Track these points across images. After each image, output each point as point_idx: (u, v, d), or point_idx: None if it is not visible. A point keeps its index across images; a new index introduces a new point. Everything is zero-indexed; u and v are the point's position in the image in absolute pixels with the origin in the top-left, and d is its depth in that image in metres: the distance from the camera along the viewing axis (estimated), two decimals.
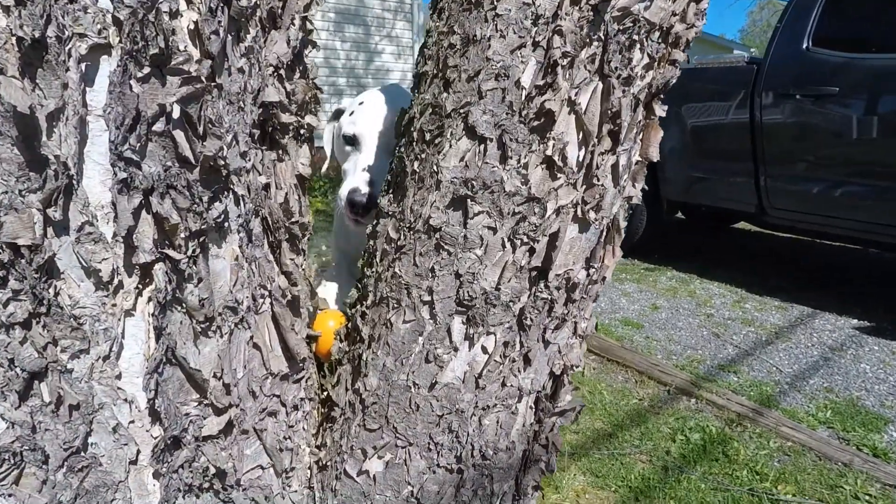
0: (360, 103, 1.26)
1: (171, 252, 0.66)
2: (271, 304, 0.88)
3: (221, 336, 0.78)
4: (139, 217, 0.65)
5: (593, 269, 0.88)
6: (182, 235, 0.68)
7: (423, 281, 0.84)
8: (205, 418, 0.77)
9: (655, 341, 3.30)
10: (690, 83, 4.13)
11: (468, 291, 0.82)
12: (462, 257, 0.82)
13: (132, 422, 0.71)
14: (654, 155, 0.91)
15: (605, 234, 0.88)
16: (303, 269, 0.92)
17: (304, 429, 1.00)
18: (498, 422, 0.87)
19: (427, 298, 0.84)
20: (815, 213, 3.70)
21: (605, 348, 3.06)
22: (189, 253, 0.68)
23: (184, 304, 0.71)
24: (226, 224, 0.75)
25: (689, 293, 4.06)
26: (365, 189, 1.16)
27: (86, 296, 0.65)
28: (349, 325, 0.98)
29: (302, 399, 0.98)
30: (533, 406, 0.90)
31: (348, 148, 1.25)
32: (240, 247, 0.79)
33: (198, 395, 0.76)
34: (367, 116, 1.21)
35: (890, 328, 3.34)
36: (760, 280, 4.21)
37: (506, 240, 0.82)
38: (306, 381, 0.99)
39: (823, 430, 2.41)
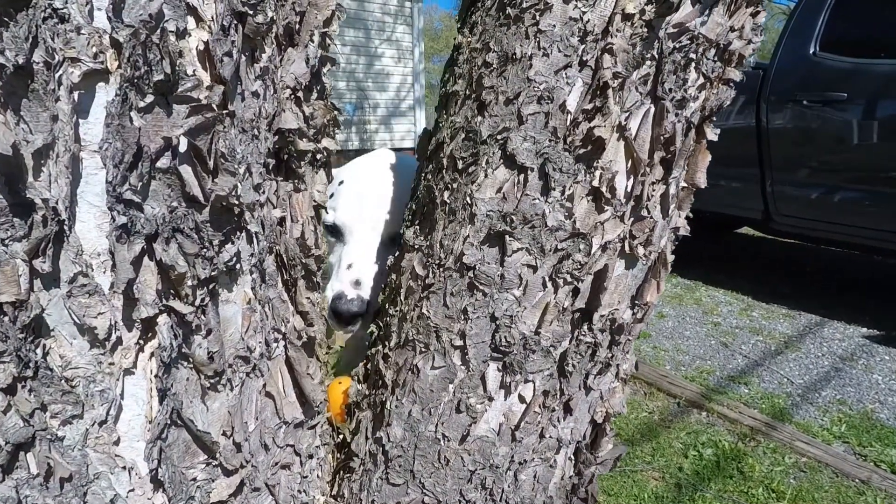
0: (341, 182, 1.01)
1: (176, 304, 0.58)
2: (285, 347, 0.80)
3: (232, 389, 0.70)
4: (140, 266, 0.56)
5: (638, 308, 0.80)
6: (189, 284, 0.59)
7: (454, 324, 0.76)
8: (213, 481, 0.69)
9: (663, 351, 3.23)
10: None
11: (505, 336, 0.74)
12: (498, 298, 0.74)
13: (132, 490, 0.63)
14: (702, 181, 0.83)
15: (651, 269, 0.80)
16: (318, 306, 0.84)
17: (318, 477, 0.92)
18: (535, 476, 0.79)
19: (459, 343, 0.76)
20: (824, 220, 3.65)
21: None
22: (197, 303, 0.60)
23: (191, 360, 0.63)
24: (237, 266, 0.67)
25: (694, 301, 4.00)
26: (352, 294, 0.96)
27: (79, 355, 0.57)
28: (368, 366, 0.90)
29: (317, 446, 0.90)
30: (572, 458, 0.82)
31: (331, 239, 1.03)
32: (252, 289, 0.71)
33: (205, 457, 0.68)
34: (351, 200, 0.97)
35: None
36: (766, 287, 4.16)
37: (547, 279, 0.74)
38: (321, 427, 0.91)
39: (839, 444, 2.35)
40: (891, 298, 3.89)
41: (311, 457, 0.89)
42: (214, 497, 0.68)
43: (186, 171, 0.56)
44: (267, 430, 0.79)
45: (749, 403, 2.65)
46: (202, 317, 0.62)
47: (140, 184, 0.54)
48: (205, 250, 0.59)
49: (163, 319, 0.59)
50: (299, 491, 0.85)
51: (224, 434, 0.69)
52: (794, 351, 3.25)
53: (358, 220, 0.97)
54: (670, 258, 0.83)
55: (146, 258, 0.57)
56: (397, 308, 0.83)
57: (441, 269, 0.77)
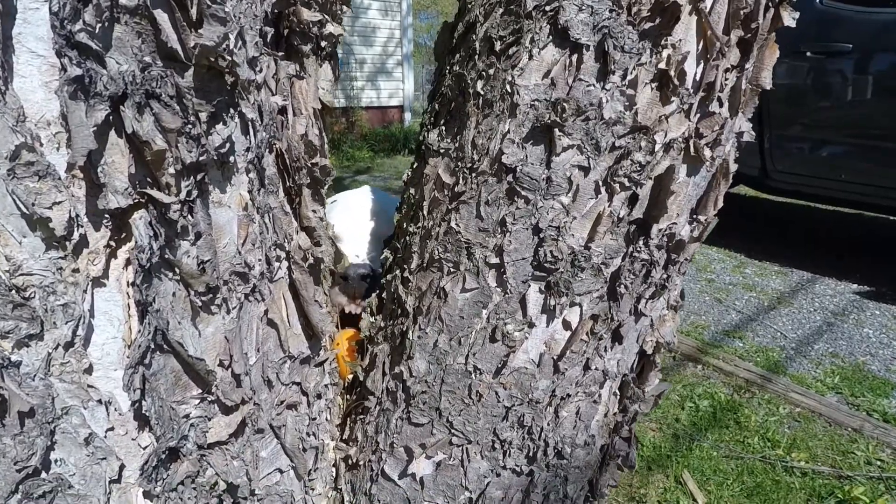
0: (333, 201, 1.17)
1: (155, 193, 0.45)
2: (289, 268, 0.68)
3: (228, 312, 0.58)
4: (106, 139, 0.43)
5: (697, 224, 0.70)
6: (171, 170, 0.47)
7: (489, 238, 0.65)
8: (210, 419, 0.58)
9: None
10: None
11: (551, 251, 0.63)
12: (543, 207, 0.63)
13: (111, 429, 0.52)
14: (767, 81, 0.71)
15: (713, 179, 0.69)
16: (326, 224, 0.71)
17: (327, 419, 0.82)
18: (577, 413, 0.70)
19: (494, 261, 0.65)
20: (822, 177, 3.58)
21: None
22: (182, 195, 0.48)
23: (177, 269, 0.51)
24: (231, 159, 0.54)
25: None
26: (357, 260, 1.00)
27: (32, 258, 0.44)
28: (383, 295, 0.79)
29: (325, 385, 0.79)
30: (617, 392, 0.73)
31: None
32: (250, 192, 0.59)
33: (200, 391, 0.57)
34: (342, 212, 1.09)
35: (890, 293, 3.32)
36: (758, 245, 4.16)
37: (601, 184, 0.63)
38: (330, 364, 0.80)
39: (832, 395, 2.37)
40: (881, 256, 3.90)
41: (319, 397, 0.79)
42: (212, 437, 0.58)
43: (161, 16, 0.43)
44: (270, 364, 0.68)
45: (744, 357, 2.65)
46: (189, 216, 0.50)
47: (99, 25, 0.40)
48: (189, 126, 0.46)
49: (139, 215, 0.46)
50: (308, 434, 0.75)
51: (221, 364, 0.58)
52: (786, 306, 3.26)
53: (351, 227, 1.06)
54: (732, 168, 0.72)
55: (113, 133, 0.44)
56: (419, 225, 0.71)
57: (473, 175, 0.65)
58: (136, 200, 0.45)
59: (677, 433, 2.12)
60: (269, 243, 0.64)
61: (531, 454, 0.69)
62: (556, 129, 0.61)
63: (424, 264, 0.70)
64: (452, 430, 0.70)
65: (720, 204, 0.73)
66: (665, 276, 0.69)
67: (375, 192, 1.18)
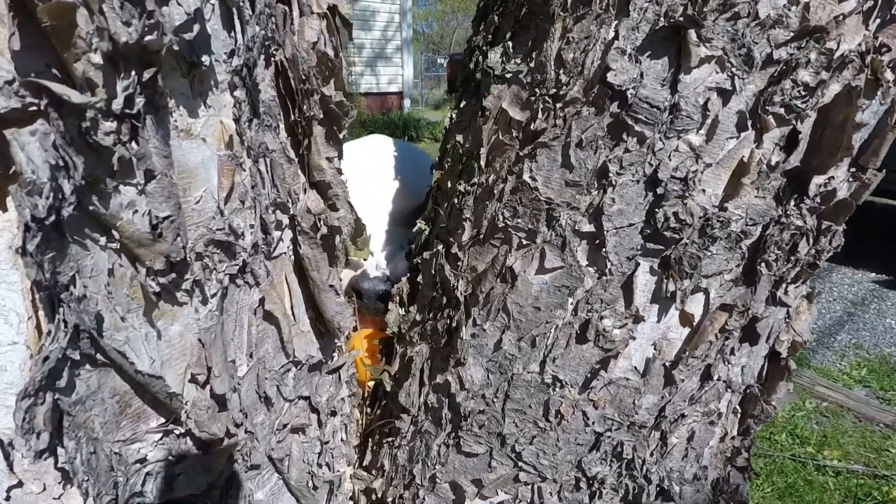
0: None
1: (58, 87, 0.25)
2: (295, 240, 0.48)
3: (205, 302, 0.39)
4: None
5: (856, 180, 0.50)
6: (93, 55, 0.27)
7: (580, 196, 0.45)
8: (178, 461, 0.39)
9: None
10: None
11: (674, 213, 0.44)
12: (664, 149, 0.43)
13: (17, 486, 0.32)
14: None
15: (886, 114, 0.50)
16: (343, 180, 0.52)
17: (342, 440, 0.63)
18: (689, 438, 0.51)
19: (588, 228, 0.45)
20: None
21: None
22: (118, 103, 0.28)
23: (114, 228, 0.31)
24: (205, 60, 0.34)
25: None
26: (375, 272, 0.74)
27: None
28: (418, 278, 0.59)
29: (341, 399, 0.60)
30: (738, 409, 0.54)
31: None
32: (237, 122, 0.39)
33: (159, 421, 0.38)
34: (352, 184, 0.73)
35: None
36: None
37: (747, 115, 0.43)
38: (348, 371, 0.61)
39: (860, 389, 2.25)
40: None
41: (333, 414, 0.59)
42: (180, 490, 0.38)
43: None
44: (268, 374, 0.49)
45: None
46: (133, 143, 0.30)
47: None
48: None
49: (31, 129, 0.26)
50: (319, 465, 0.56)
51: (195, 380, 0.39)
52: None
53: (365, 202, 0.75)
54: None
55: None
56: (472, 182, 0.51)
57: (559, 105, 0.45)
58: (27, 102, 0.25)
59: None
60: (267, 202, 0.44)
61: (629, 496, 0.50)
62: (691, 32, 0.41)
63: (482, 235, 0.50)
64: (520, 463, 0.51)
65: (882, 156, 0.54)
66: (814, 250, 0.50)
67: (396, 143, 0.84)
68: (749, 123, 0.44)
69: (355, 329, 0.63)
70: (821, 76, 0.43)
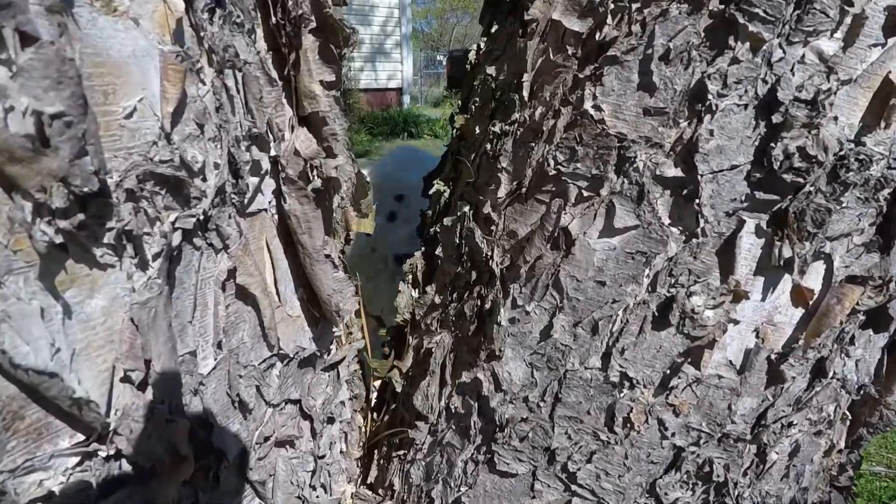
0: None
1: None
2: (279, 191, 0.36)
3: (144, 266, 0.27)
4: None
5: None
6: None
7: (664, 127, 0.33)
8: (105, 495, 0.27)
9: None
10: None
11: (797, 148, 0.32)
12: (787, 58, 0.31)
13: None
14: None
15: None
16: (343, 119, 0.40)
17: (342, 452, 0.51)
18: (793, 453, 0.39)
19: (674, 172, 0.33)
20: None
21: None
22: None
23: None
24: None
25: None
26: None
27: None
28: (437, 251, 0.47)
29: (341, 403, 0.48)
30: (847, 415, 0.42)
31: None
32: (188, 3, 0.27)
33: (75, 440, 0.26)
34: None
35: None
36: None
37: None
38: (349, 366, 0.49)
39: None
40: None
41: (330, 421, 0.47)
42: None
43: None
44: (243, 370, 0.37)
45: None
46: None
47: None
48: None
49: None
50: (312, 486, 0.44)
51: (127, 378, 0.27)
52: None
53: None
54: None
55: None
56: (512, 119, 0.39)
57: (638, 3, 0.33)
58: None
59: None
60: (238, 133, 0.32)
61: None
62: None
63: (524, 189, 0.38)
64: (574, 486, 0.39)
65: None
66: None
67: (418, 154, 0.83)
68: None
69: (358, 314, 0.51)
70: None
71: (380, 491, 0.50)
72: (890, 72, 0.32)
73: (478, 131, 0.44)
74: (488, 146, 0.41)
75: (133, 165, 0.26)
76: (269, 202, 0.37)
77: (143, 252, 0.27)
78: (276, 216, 0.38)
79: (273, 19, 0.33)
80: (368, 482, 0.52)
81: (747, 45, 0.31)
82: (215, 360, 0.35)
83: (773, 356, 0.36)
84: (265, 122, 0.34)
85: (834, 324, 0.35)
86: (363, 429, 0.56)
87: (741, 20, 0.31)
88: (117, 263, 0.26)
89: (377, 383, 0.57)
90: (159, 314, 0.27)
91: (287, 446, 0.42)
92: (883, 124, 0.33)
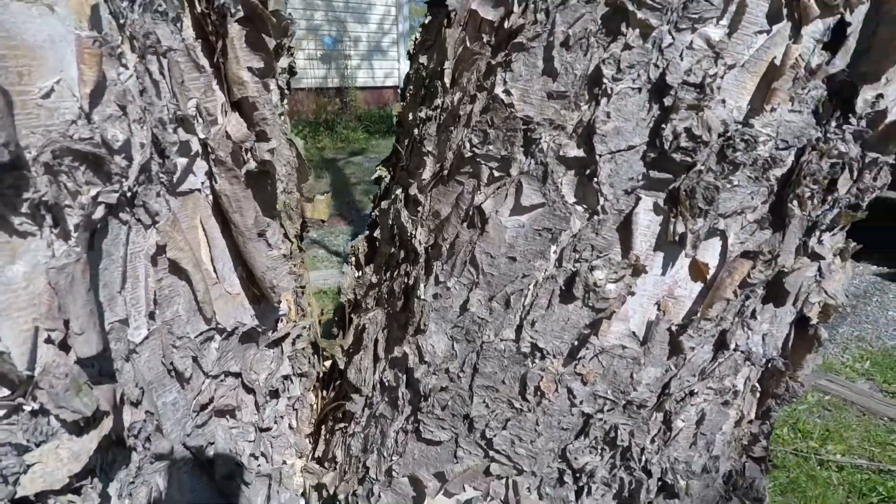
0: None
1: None
2: (211, 173, 0.38)
3: (66, 236, 0.29)
4: None
5: None
6: None
7: (566, 110, 0.35)
8: (32, 447, 0.29)
9: None
10: None
11: (685, 129, 0.34)
12: (674, 44, 0.33)
13: None
14: None
15: None
16: (276, 105, 0.42)
17: (291, 428, 0.54)
18: (700, 422, 0.42)
19: (575, 153, 0.36)
20: None
21: None
22: None
23: None
24: None
25: None
26: None
27: None
28: (376, 234, 0.49)
29: (285, 377, 0.50)
30: (756, 387, 0.44)
31: None
32: None
33: (2, 394, 0.28)
34: None
35: None
36: None
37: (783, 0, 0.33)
38: (294, 341, 0.51)
39: (863, 382, 2.22)
40: None
41: (275, 395, 0.50)
42: (31, 486, 0.29)
43: None
44: (178, 341, 0.39)
45: None
46: None
47: None
48: None
49: None
50: (254, 455, 0.47)
51: (49, 340, 0.29)
52: None
53: None
54: None
55: None
56: (435, 104, 0.41)
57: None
58: None
59: None
60: (164, 115, 0.34)
61: (625, 492, 0.40)
62: None
63: (446, 172, 0.41)
64: (492, 452, 0.41)
65: None
66: (856, 188, 0.40)
67: None
68: (784, 13, 0.34)
69: (304, 290, 0.53)
70: None
71: (325, 464, 0.53)
72: (775, 57, 0.35)
73: (410, 118, 0.46)
74: (416, 131, 0.44)
75: (50, 141, 0.28)
76: (203, 183, 0.39)
77: (65, 223, 0.29)
78: (210, 197, 0.40)
79: (198, 7, 0.35)
80: (317, 456, 0.55)
81: (637, 31, 0.34)
82: (148, 329, 0.37)
83: (673, 328, 0.38)
84: (190, 105, 0.36)
85: (725, 295, 0.37)
86: (314, 406, 0.58)
87: (630, 7, 0.33)
88: (37, 232, 0.28)
89: (329, 363, 0.60)
90: (77, 279, 0.30)
91: (228, 416, 0.45)
92: (769, 107, 0.35)
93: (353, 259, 0.52)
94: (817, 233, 0.40)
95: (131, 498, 0.37)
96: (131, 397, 0.35)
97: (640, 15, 0.33)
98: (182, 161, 0.37)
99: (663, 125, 0.34)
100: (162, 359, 0.38)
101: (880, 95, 0.38)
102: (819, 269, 0.43)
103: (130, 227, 0.34)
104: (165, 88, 0.35)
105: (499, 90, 0.37)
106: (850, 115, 0.37)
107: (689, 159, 0.34)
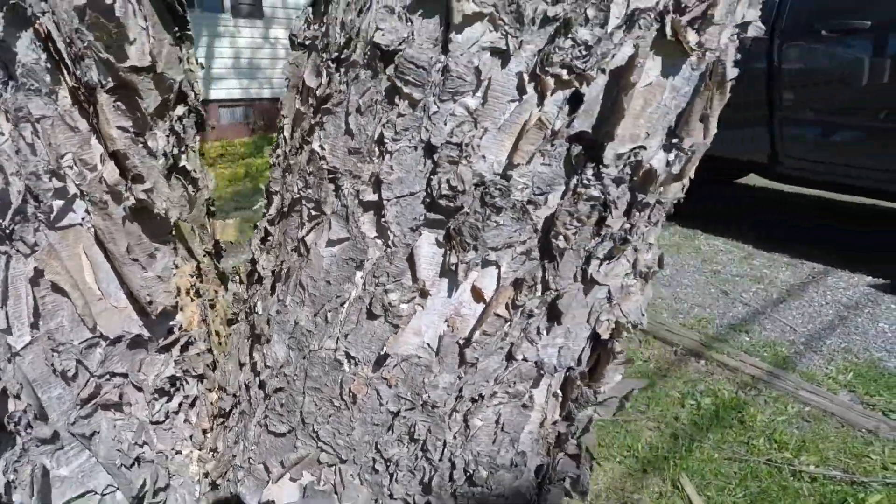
0: None
1: None
2: (88, 211, 0.47)
3: None
4: None
5: (678, 153, 0.48)
6: None
7: (362, 164, 0.44)
8: None
9: (661, 299, 3.06)
10: None
11: (448, 181, 0.42)
12: (439, 113, 0.42)
13: None
14: None
15: (702, 82, 0.47)
16: (148, 150, 0.51)
17: (186, 422, 0.62)
18: (498, 421, 0.49)
19: (371, 197, 0.44)
20: (838, 163, 3.36)
21: None
22: None
23: None
24: None
25: (693, 249, 3.82)
26: None
27: None
28: (255, 254, 0.58)
29: (173, 378, 0.59)
30: (559, 393, 0.52)
31: None
32: None
33: None
34: None
35: None
36: (768, 235, 3.99)
37: (527, 77, 0.41)
38: (184, 350, 0.60)
39: (845, 393, 2.20)
40: None
41: (165, 393, 0.58)
42: None
43: None
44: (61, 346, 0.48)
45: (750, 352, 2.48)
46: None
47: None
48: None
49: None
50: (137, 443, 0.55)
51: None
52: (796, 299, 3.08)
53: None
54: (730, 74, 0.50)
55: None
56: (278, 153, 0.50)
57: (342, 69, 0.44)
58: None
59: (676, 433, 1.95)
60: (37, 168, 0.43)
61: (427, 479, 0.48)
62: None
63: (285, 208, 0.49)
64: (320, 443, 0.49)
65: (713, 128, 0.51)
66: (627, 225, 0.47)
67: None
68: (530, 85, 0.42)
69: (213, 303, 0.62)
70: (600, 34, 0.40)
71: (212, 454, 0.61)
72: (526, 120, 0.42)
73: (272, 158, 0.55)
74: (273, 174, 0.52)
75: None
76: (83, 218, 0.48)
77: None
78: (91, 229, 0.49)
79: (69, 84, 0.44)
80: (209, 448, 0.63)
81: (407, 101, 0.42)
82: (31, 337, 0.46)
83: (460, 341, 0.46)
84: (67, 158, 0.45)
85: (498, 313, 0.45)
86: (214, 403, 0.67)
87: (398, 84, 0.41)
88: None
89: None
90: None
91: (113, 409, 0.53)
92: (524, 160, 0.43)
93: (237, 278, 0.61)
94: (595, 263, 0.48)
95: (16, 473, 0.46)
96: (12, 391, 0.44)
97: (405, 90, 0.41)
98: (59, 203, 0.46)
99: (433, 176, 0.42)
100: (44, 360, 0.47)
101: (642, 147, 0.45)
102: (609, 293, 0.51)
103: (10, 256, 0.43)
104: (41, 147, 0.44)
105: (315, 145, 0.46)
106: (602, 164, 0.44)
107: (452, 205, 0.42)
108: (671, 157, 0.48)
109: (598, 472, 1.67)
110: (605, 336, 0.51)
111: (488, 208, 0.43)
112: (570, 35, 0.40)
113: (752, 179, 5.48)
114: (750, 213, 5.20)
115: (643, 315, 0.53)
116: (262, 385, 0.51)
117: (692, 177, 0.51)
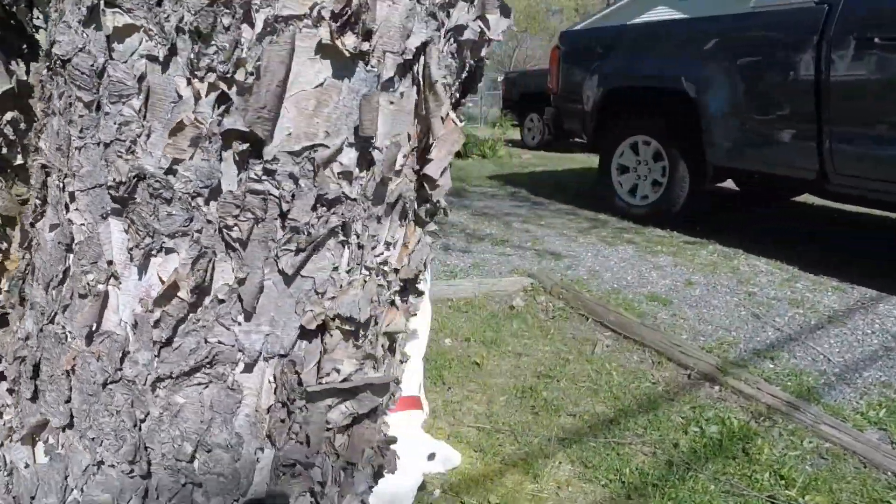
0: None
1: None
2: None
3: None
4: None
5: (376, 152, 0.49)
6: None
7: (64, 158, 0.50)
8: None
9: (683, 319, 2.86)
10: (746, 31, 3.49)
11: (120, 175, 0.47)
12: (111, 115, 0.47)
13: None
14: None
15: (399, 80, 0.49)
16: None
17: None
18: (203, 401, 0.53)
19: (73, 187, 0.49)
20: (890, 180, 3.03)
21: (622, 324, 2.67)
22: None
23: None
24: None
25: (731, 269, 3.55)
26: None
27: None
28: None
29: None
30: (273, 380, 0.54)
31: None
32: None
33: None
34: None
35: None
36: (818, 258, 3.62)
37: (184, 80, 0.45)
38: None
39: (873, 431, 1.94)
40: None
41: None
42: None
43: None
44: None
45: (771, 380, 2.25)
46: None
47: None
48: None
49: None
50: None
51: None
52: (838, 326, 2.77)
53: None
54: (437, 76, 0.51)
55: None
56: (34, 158, 0.57)
57: (56, 76, 0.50)
58: None
59: (672, 460, 1.82)
60: None
61: (133, 449, 0.52)
62: (109, 7, 0.44)
63: (39, 201, 0.56)
64: (44, 406, 0.55)
65: (438, 129, 0.52)
66: (315, 220, 0.50)
67: None
68: (188, 88, 0.46)
69: None
70: (236, 37, 0.44)
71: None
72: (183, 120, 0.46)
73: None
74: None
75: None
76: None
77: None
78: None
79: None
80: None
81: (81, 104, 0.47)
82: None
83: (151, 323, 0.50)
84: None
85: (175, 298, 0.49)
86: None
87: (74, 89, 0.47)
88: None
89: None
90: None
91: None
92: (188, 156, 0.47)
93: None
94: (287, 258, 0.50)
95: None
96: None
97: (78, 93, 0.47)
98: None
99: (110, 172, 0.47)
100: None
101: (323, 145, 0.48)
102: (314, 285, 0.53)
103: None
104: None
105: (41, 143, 0.52)
106: (263, 160, 0.47)
107: (122, 195, 0.47)
108: (362, 155, 0.50)
109: (577, 494, 1.61)
110: (311, 327, 0.53)
111: (156, 199, 0.47)
112: (212, 42, 0.44)
113: (810, 198, 5.06)
114: (801, 233, 4.81)
115: (359, 310, 0.54)
116: (16, 355, 0.58)
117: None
